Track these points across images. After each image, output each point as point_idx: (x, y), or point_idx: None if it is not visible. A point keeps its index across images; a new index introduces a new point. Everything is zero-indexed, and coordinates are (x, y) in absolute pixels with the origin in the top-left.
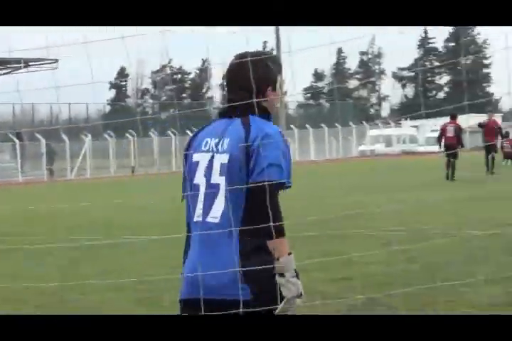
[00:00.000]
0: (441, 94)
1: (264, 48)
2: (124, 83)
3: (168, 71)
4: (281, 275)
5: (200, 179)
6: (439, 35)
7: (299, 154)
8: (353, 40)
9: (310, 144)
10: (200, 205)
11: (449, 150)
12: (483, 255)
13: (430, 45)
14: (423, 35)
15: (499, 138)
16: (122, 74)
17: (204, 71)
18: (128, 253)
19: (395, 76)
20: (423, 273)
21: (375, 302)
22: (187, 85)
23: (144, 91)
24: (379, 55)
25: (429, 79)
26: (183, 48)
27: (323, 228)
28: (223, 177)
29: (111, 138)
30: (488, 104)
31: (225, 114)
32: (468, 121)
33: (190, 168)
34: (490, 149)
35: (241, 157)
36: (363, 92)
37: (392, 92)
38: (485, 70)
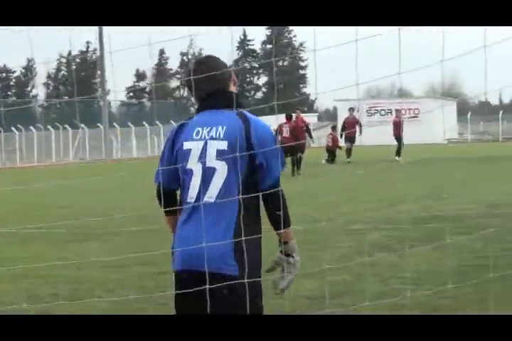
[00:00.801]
0: (259, 94)
1: (87, 48)
2: None
3: None
4: (288, 255)
5: (193, 164)
6: (258, 36)
7: (122, 152)
8: (173, 41)
9: (132, 142)
10: (194, 187)
11: (285, 148)
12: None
13: (249, 46)
14: (242, 36)
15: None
16: None
17: (29, 69)
18: None
19: None
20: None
21: None
22: (12, 83)
23: None
24: (199, 56)
25: (248, 79)
26: (7, 46)
27: (148, 223)
28: (221, 162)
29: None
30: (304, 104)
31: (206, 107)
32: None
33: (181, 155)
34: (297, 148)
35: (242, 145)
36: (184, 92)
37: None
38: (301, 72)
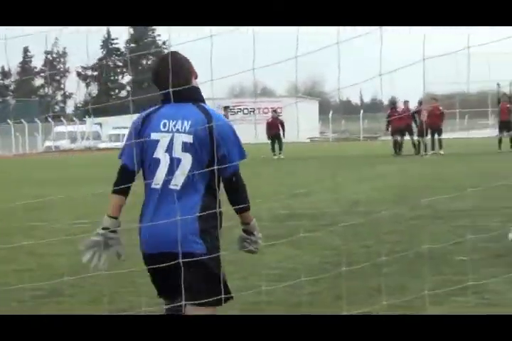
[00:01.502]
0: (123, 93)
1: None
2: None
3: None
4: (251, 234)
5: (160, 154)
6: (120, 35)
7: None
8: (37, 39)
9: None
10: (160, 174)
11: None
12: None
13: (113, 45)
14: (106, 35)
15: None
16: None
17: None
18: None
19: (79, 75)
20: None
21: (58, 293)
22: None
23: None
24: (64, 55)
25: (112, 78)
26: None
27: (9, 220)
28: (186, 153)
29: None
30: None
31: (170, 100)
32: None
33: (149, 144)
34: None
35: (206, 137)
36: (49, 90)
37: (76, 90)
38: None
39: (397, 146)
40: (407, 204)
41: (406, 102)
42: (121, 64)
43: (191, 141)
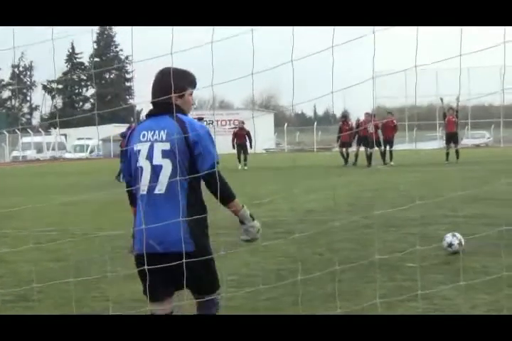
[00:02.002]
0: (88, 105)
1: None
2: None
3: None
4: (242, 223)
5: (143, 162)
6: (86, 51)
7: None
8: (4, 53)
9: None
10: (145, 181)
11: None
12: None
13: (77, 60)
14: (70, 50)
15: None
16: None
17: None
18: None
19: (45, 87)
20: (65, 271)
21: (25, 298)
22: None
23: None
24: (30, 68)
25: (77, 91)
26: None
27: None
28: (166, 159)
29: None
30: (130, 115)
31: (151, 113)
32: (114, 130)
33: (133, 156)
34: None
35: (180, 144)
36: (16, 102)
37: (42, 103)
38: (127, 84)
39: (347, 157)
40: (360, 213)
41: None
42: (85, 78)
43: (168, 148)
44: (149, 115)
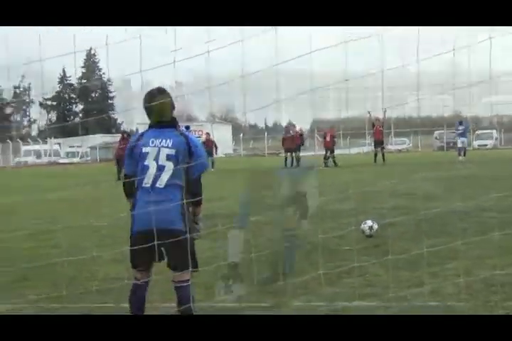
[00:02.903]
0: (77, 119)
1: None
2: None
3: None
4: (196, 223)
5: (150, 162)
6: (74, 74)
7: None
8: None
9: None
10: (150, 177)
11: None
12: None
13: (67, 81)
14: (62, 73)
15: None
16: None
17: None
18: None
19: (41, 104)
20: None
21: (26, 278)
22: None
23: None
24: (29, 88)
25: (68, 107)
26: None
27: None
28: (169, 162)
29: None
30: (113, 127)
31: (157, 126)
32: (102, 139)
33: (141, 155)
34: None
35: (183, 152)
36: (17, 117)
37: (39, 117)
38: (110, 101)
39: (290, 161)
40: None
41: (295, 126)
42: (74, 96)
43: (173, 153)
44: (152, 126)
